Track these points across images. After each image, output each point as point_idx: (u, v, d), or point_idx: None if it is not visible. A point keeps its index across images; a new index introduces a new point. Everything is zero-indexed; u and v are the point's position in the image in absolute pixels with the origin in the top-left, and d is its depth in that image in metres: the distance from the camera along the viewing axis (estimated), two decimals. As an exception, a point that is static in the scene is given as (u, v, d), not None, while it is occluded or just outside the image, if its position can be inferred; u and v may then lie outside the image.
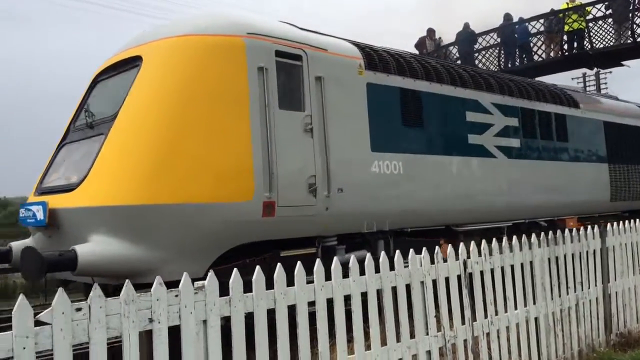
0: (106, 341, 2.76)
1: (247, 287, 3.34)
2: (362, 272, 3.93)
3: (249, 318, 3.32)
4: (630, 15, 14.01)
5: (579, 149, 10.98)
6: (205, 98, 6.04)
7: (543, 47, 15.56)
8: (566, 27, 14.60)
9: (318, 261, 3.78)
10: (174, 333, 3.05)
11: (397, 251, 4.33)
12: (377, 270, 4.02)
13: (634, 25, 13.92)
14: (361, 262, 3.98)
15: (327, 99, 6.94)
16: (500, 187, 9.08)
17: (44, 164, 6.84)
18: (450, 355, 4.30)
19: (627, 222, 6.87)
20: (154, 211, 5.55)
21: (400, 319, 4.07)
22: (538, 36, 15.69)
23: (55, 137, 7.04)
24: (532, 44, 15.61)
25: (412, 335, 4.17)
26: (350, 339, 3.80)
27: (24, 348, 2.50)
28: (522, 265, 5.24)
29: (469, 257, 4.72)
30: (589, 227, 6.30)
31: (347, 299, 3.86)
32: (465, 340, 4.51)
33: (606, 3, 14.44)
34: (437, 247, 4.51)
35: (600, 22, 14.58)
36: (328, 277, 3.71)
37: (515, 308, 5.05)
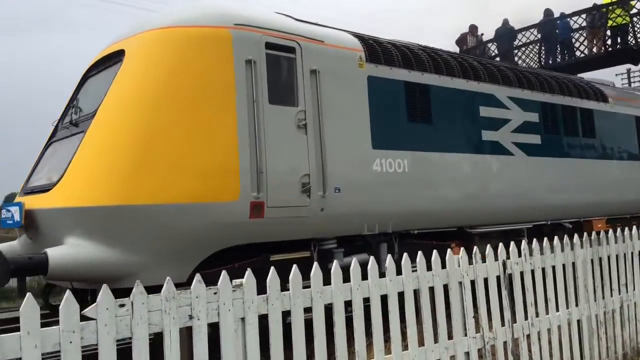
0: (148, 337, 2.80)
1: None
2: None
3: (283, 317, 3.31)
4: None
5: (608, 146, 10.93)
6: (188, 93, 5.92)
7: (585, 43, 15.16)
8: (610, 22, 14.33)
9: (355, 261, 3.77)
10: (213, 329, 3.07)
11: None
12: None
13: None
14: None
15: (323, 93, 6.75)
16: (519, 186, 8.92)
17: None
18: (490, 357, 4.30)
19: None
20: (130, 212, 5.43)
21: (437, 319, 4.07)
22: (580, 32, 15.30)
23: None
24: (574, 40, 15.16)
25: (450, 336, 4.10)
26: (386, 339, 3.77)
27: (71, 342, 2.60)
28: (563, 266, 5.10)
29: (508, 257, 4.62)
30: (634, 227, 6.06)
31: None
32: (505, 342, 4.51)
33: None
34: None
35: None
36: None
37: (557, 310, 5.03)
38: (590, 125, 10.56)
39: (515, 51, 16.83)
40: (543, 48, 16.53)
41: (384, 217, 7.04)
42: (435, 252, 4.49)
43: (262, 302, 3.48)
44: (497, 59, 16.08)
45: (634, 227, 6.57)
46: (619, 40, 15.44)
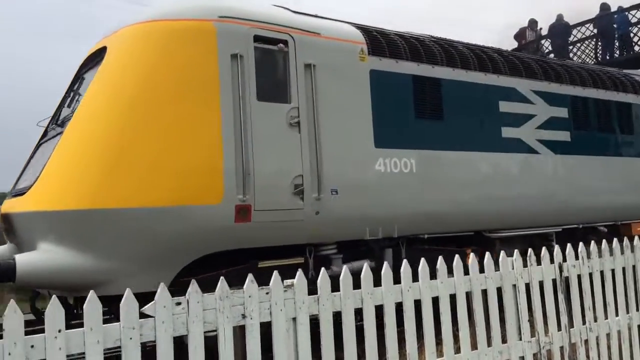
0: (203, 334, 2.89)
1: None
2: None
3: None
4: None
5: None
6: (168, 89, 5.82)
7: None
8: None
9: (405, 263, 3.74)
10: (265, 329, 3.15)
11: (421, 259, 4.27)
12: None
13: None
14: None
15: (318, 88, 6.54)
16: (545, 187, 8.61)
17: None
18: (546, 362, 4.15)
19: None
20: (102, 216, 5.36)
21: (491, 322, 4.04)
22: (639, 26, 14.63)
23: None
24: (632, 34, 14.56)
25: (504, 340, 4.03)
26: (438, 342, 3.74)
27: (131, 338, 2.74)
28: (623, 269, 4.93)
29: (564, 260, 4.49)
30: None
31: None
32: (561, 347, 4.40)
33: None
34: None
35: None
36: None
37: (616, 314, 4.89)
38: (627, 120, 10.17)
39: (570, 47, 16.33)
40: (600, 43, 15.96)
41: (388, 221, 6.76)
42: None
43: (313, 302, 3.56)
44: (551, 55, 15.63)
45: None
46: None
